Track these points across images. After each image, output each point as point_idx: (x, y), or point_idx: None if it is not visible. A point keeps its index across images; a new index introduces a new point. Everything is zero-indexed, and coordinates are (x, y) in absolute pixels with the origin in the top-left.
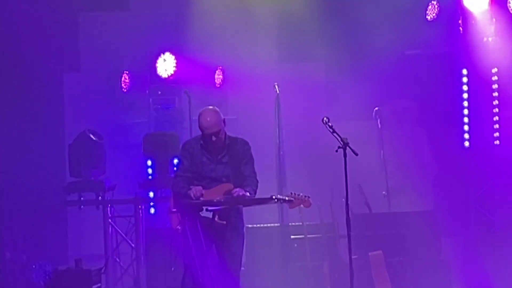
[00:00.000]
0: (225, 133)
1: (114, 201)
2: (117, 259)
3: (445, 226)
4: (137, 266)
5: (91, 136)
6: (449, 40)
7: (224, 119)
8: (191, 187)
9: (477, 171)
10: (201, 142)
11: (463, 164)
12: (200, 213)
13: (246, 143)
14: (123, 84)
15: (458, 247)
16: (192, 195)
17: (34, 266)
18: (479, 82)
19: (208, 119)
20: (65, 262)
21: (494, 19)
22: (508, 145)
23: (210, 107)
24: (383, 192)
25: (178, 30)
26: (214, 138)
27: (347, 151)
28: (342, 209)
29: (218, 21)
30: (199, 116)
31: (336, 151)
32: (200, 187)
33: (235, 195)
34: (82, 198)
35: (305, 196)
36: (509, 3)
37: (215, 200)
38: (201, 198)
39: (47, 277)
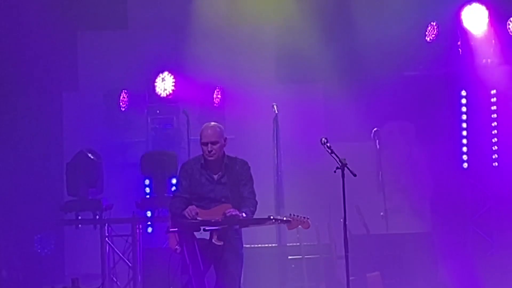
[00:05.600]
0: (224, 152)
1: (112, 220)
2: (114, 279)
3: (443, 248)
4: (134, 285)
5: (89, 155)
6: (448, 61)
7: (225, 137)
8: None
9: (476, 192)
10: (201, 162)
11: (461, 186)
12: (199, 233)
13: (246, 163)
14: (121, 103)
15: (455, 269)
16: (186, 215)
17: (36, 237)
18: (478, 103)
19: (209, 130)
20: (61, 282)
21: (493, 41)
22: (506, 167)
23: (214, 123)
24: (381, 213)
25: (177, 49)
26: (210, 148)
27: (345, 172)
28: (340, 230)
29: (217, 41)
30: (202, 129)
31: (335, 171)
32: (194, 206)
33: (228, 215)
34: (79, 217)
35: (304, 218)
36: (509, 24)
37: (212, 220)
38: (198, 218)
39: (50, 248)
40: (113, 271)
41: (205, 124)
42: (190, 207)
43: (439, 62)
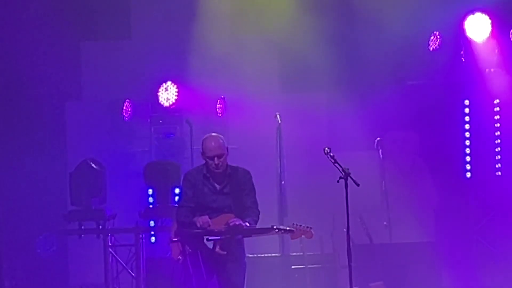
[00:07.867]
0: (227, 162)
1: (115, 230)
2: None
3: (446, 257)
4: None
5: (92, 164)
6: (451, 70)
7: (227, 147)
8: (196, 217)
9: (479, 202)
10: (204, 172)
11: (464, 195)
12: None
13: (248, 172)
14: (124, 113)
15: (459, 278)
16: (198, 225)
17: (38, 239)
18: (481, 113)
19: (213, 143)
20: None
21: (496, 50)
22: (509, 176)
23: (214, 133)
24: (384, 223)
25: (180, 59)
26: (217, 161)
27: (348, 182)
28: (343, 240)
29: (220, 51)
30: (203, 141)
31: (338, 181)
32: (207, 217)
33: (231, 224)
34: (82, 227)
35: (307, 227)
36: (511, 34)
37: (215, 230)
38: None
39: (51, 249)
40: (116, 281)
41: (206, 137)
42: (203, 217)
43: (442, 71)
